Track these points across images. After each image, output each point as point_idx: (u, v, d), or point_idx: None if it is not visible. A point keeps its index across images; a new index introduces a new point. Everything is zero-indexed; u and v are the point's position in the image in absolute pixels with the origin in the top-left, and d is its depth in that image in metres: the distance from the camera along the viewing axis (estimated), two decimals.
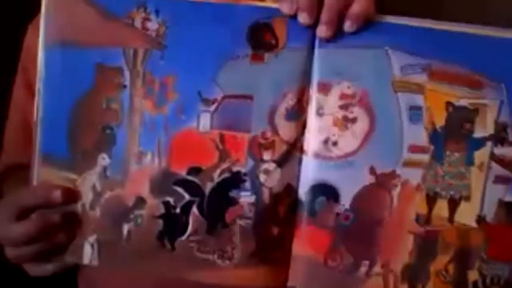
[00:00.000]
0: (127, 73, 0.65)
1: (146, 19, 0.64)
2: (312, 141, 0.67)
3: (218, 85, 0.65)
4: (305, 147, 0.67)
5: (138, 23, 0.64)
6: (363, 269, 0.66)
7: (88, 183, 0.66)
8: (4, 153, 0.90)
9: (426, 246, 0.66)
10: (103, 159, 0.66)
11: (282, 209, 0.67)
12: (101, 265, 0.67)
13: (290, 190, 0.67)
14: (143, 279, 0.76)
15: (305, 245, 0.68)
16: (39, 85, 0.65)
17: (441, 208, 0.66)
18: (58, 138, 0.66)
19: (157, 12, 0.64)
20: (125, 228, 0.67)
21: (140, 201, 0.67)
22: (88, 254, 0.67)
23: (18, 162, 0.82)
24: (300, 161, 0.67)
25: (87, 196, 0.66)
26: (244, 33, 0.65)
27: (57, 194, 0.64)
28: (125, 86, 0.65)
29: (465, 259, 0.65)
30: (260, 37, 0.65)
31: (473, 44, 0.64)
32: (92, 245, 0.67)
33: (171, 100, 0.65)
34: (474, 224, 0.65)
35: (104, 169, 0.66)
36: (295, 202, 0.67)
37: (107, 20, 0.64)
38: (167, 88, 0.65)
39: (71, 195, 0.65)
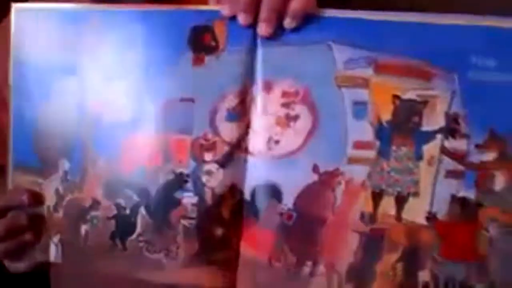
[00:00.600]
0: (81, 83, 0.46)
1: (99, 29, 0.45)
2: (255, 141, 0.44)
3: (162, 89, 0.44)
4: (250, 147, 0.44)
5: (92, 33, 0.46)
6: (306, 270, 0.43)
7: (52, 187, 0.48)
8: None
9: (372, 245, 0.42)
10: (64, 164, 0.48)
11: (226, 210, 0.45)
12: (63, 263, 0.48)
13: (235, 190, 0.45)
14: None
15: (251, 246, 0.45)
16: (10, 99, 0.49)
17: (388, 205, 0.41)
18: (27, 147, 0.48)
19: (108, 22, 0.45)
20: (83, 228, 0.48)
21: (95, 203, 0.47)
22: (53, 252, 0.48)
23: None
24: (245, 162, 0.44)
25: (52, 199, 0.48)
26: (186, 37, 0.43)
27: (24, 198, 0.48)
28: (79, 96, 0.47)
29: (415, 259, 0.40)
30: (201, 40, 0.43)
31: (421, 34, 0.40)
32: (56, 245, 0.49)
33: (120, 105, 0.45)
34: (423, 222, 0.39)
35: (66, 173, 0.48)
36: (242, 203, 0.44)
37: (66, 32, 0.46)
38: (117, 94, 0.45)
39: (37, 198, 0.48)
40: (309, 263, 0.43)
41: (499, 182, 0.39)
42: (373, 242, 0.41)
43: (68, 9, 0.46)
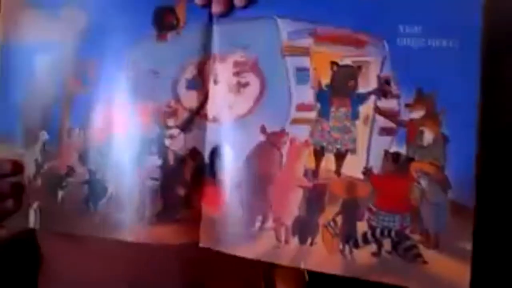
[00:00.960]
0: (61, 60, 0.51)
1: (73, 13, 0.50)
2: (212, 108, 0.48)
3: (130, 63, 0.49)
4: (208, 113, 0.47)
5: (68, 18, 0.50)
6: (257, 224, 0.45)
7: (32, 157, 0.52)
8: None
9: (314, 199, 0.45)
10: (43, 135, 0.51)
11: (188, 172, 0.49)
12: (42, 227, 0.52)
13: (195, 153, 0.48)
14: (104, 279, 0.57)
15: (210, 204, 0.48)
16: None
17: (328, 161, 0.44)
18: (10, 120, 0.52)
19: (81, 7, 0.50)
20: (59, 194, 0.51)
21: (71, 170, 0.51)
22: (32, 219, 0.52)
23: None
24: (204, 127, 0.48)
25: (31, 169, 0.52)
26: (150, 16, 0.48)
27: (6, 166, 0.51)
28: (58, 71, 0.51)
29: (353, 210, 0.42)
30: (163, 19, 0.48)
31: (355, 6, 0.44)
32: (35, 211, 0.52)
33: (93, 80, 0.50)
34: (361, 176, 0.42)
35: (44, 144, 0.51)
36: (202, 164, 0.48)
37: (45, 18, 0.51)
38: (90, 70, 0.50)
39: (17, 167, 0.52)
40: (259, 217, 0.46)
41: (427, 137, 0.42)
42: (315, 196, 0.44)
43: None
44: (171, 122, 0.48)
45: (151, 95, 0.48)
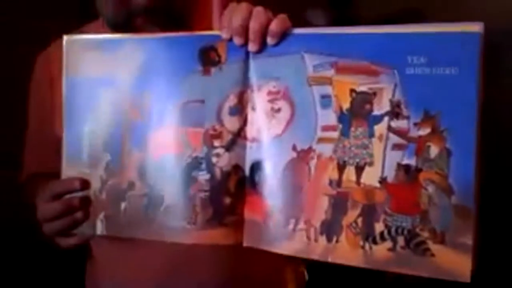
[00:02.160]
0: (120, 93, 0.60)
1: (131, 52, 0.60)
2: (251, 130, 0.57)
3: (180, 94, 0.58)
4: (248, 135, 0.57)
5: (127, 56, 0.60)
6: (290, 226, 0.53)
7: (97, 175, 0.61)
8: (26, 163, 0.80)
9: (338, 204, 0.53)
10: (107, 157, 0.61)
11: (232, 184, 0.58)
12: (108, 233, 0.61)
13: (238, 169, 0.58)
14: (143, 275, 0.69)
15: (251, 210, 0.57)
16: (64, 110, 0.62)
17: (350, 173, 0.53)
18: (77, 146, 0.62)
19: (138, 46, 0.59)
20: (122, 205, 0.60)
21: (131, 185, 0.60)
22: (99, 227, 0.61)
23: (39, 171, 0.75)
24: (244, 146, 0.57)
25: (97, 184, 0.61)
26: (196, 54, 0.57)
27: (76, 183, 0.59)
28: (118, 103, 0.60)
29: (371, 213, 0.51)
30: (207, 56, 0.57)
31: (369, 41, 0.52)
32: (101, 220, 0.61)
33: (149, 109, 0.59)
34: (377, 185, 0.50)
35: (107, 163, 0.61)
36: (244, 178, 0.57)
37: (106, 55, 0.60)
38: (146, 101, 0.59)
39: (85, 184, 0.60)
40: (293, 220, 0.54)
41: (433, 151, 0.50)
42: (339, 202, 0.52)
43: (106, 38, 0.61)
44: (217, 143, 0.57)
45: (200, 120, 0.57)
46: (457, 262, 0.48)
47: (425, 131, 0.50)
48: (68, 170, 0.61)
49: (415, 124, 0.50)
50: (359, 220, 0.52)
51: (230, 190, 0.57)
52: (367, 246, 0.51)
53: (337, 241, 0.52)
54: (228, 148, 0.57)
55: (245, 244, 0.57)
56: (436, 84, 0.49)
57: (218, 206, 0.57)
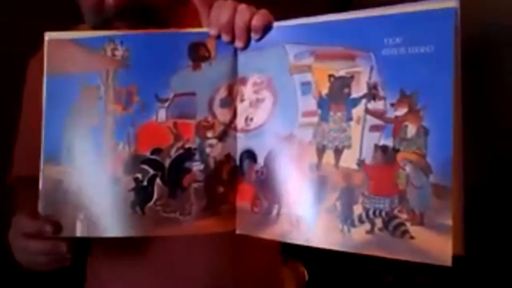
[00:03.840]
0: (102, 88, 0.58)
1: (115, 49, 0.59)
2: (240, 121, 0.58)
3: (170, 88, 0.58)
4: (237, 125, 0.58)
5: (109, 53, 0.59)
6: (274, 211, 0.53)
7: (78, 173, 0.57)
8: (15, 165, 0.75)
9: (318, 188, 0.52)
10: (87, 153, 0.58)
11: (225, 173, 0.58)
12: (89, 235, 0.57)
13: (229, 158, 0.58)
14: (142, 268, 0.69)
15: (242, 198, 0.58)
16: (43, 107, 0.58)
17: (329, 157, 0.52)
18: (56, 143, 0.57)
19: (122, 42, 0.59)
20: (106, 203, 0.57)
21: (116, 180, 0.57)
22: (79, 228, 0.56)
23: (31, 174, 0.67)
24: (235, 136, 0.58)
25: (77, 183, 0.57)
26: (186, 50, 0.59)
27: (48, 228, 0.55)
28: (100, 98, 0.58)
29: (350, 196, 0.50)
30: (197, 52, 0.59)
31: (345, 28, 0.53)
32: (81, 221, 0.56)
33: (135, 103, 0.58)
34: (355, 167, 0.49)
35: (89, 160, 0.58)
36: (235, 167, 0.58)
37: (88, 53, 0.59)
38: (132, 94, 0.58)
39: (57, 228, 0.55)
40: (276, 205, 0.54)
41: (410, 130, 0.48)
42: (318, 186, 0.52)
43: (89, 35, 0.59)
44: (209, 134, 0.58)
45: (191, 113, 0.58)
46: (437, 244, 0.45)
47: (401, 111, 0.48)
48: (46, 170, 0.57)
49: (392, 104, 0.49)
50: (338, 203, 0.50)
51: (223, 179, 0.58)
52: (345, 229, 0.50)
53: (317, 225, 0.51)
54: (221, 138, 0.58)
55: (237, 231, 0.57)
56: (412, 64, 0.48)
57: (213, 195, 0.58)
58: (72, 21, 0.68)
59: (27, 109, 0.75)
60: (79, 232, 0.56)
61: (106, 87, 0.58)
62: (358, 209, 0.49)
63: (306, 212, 0.52)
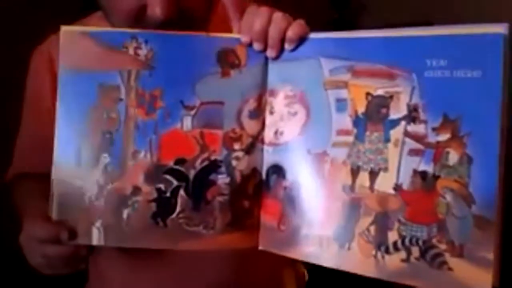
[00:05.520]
0: (123, 89, 0.54)
1: (138, 47, 0.54)
2: (268, 134, 0.55)
3: (196, 95, 0.55)
4: (265, 138, 0.55)
5: (131, 51, 0.54)
6: (303, 231, 0.49)
7: (93, 179, 0.53)
8: (16, 161, 0.71)
9: (351, 210, 0.49)
10: (104, 158, 0.53)
11: (250, 187, 0.55)
12: (106, 244, 0.54)
13: (256, 172, 0.55)
14: (146, 271, 0.66)
15: (267, 214, 0.55)
16: (57, 105, 0.53)
17: (363, 179, 0.49)
18: (70, 144, 0.53)
19: (146, 42, 0.54)
20: (125, 212, 0.53)
21: (136, 190, 0.53)
22: (96, 236, 0.53)
23: (31, 171, 0.66)
24: (262, 149, 0.55)
25: (92, 190, 0.53)
26: (215, 56, 0.55)
27: (64, 236, 0.52)
28: (121, 99, 0.54)
29: (385, 221, 0.47)
30: (227, 58, 0.55)
31: (387, 45, 0.49)
32: (98, 229, 0.53)
33: (159, 108, 0.54)
34: (392, 191, 0.46)
35: (105, 166, 0.53)
36: (261, 181, 0.55)
37: (107, 50, 0.54)
38: (156, 99, 0.55)
39: (72, 235, 0.52)
40: (305, 225, 0.51)
41: (452, 157, 0.45)
42: (352, 208, 0.49)
43: (111, 31, 0.56)
44: (237, 146, 0.55)
45: (218, 122, 0.55)
46: (476, 277, 0.42)
47: (444, 136, 0.45)
48: (58, 173, 0.53)
49: (434, 129, 0.46)
50: (372, 228, 0.47)
51: (249, 194, 0.55)
52: (379, 255, 0.47)
53: (348, 248, 0.48)
54: (248, 151, 0.55)
55: (260, 247, 0.54)
56: (457, 88, 0.45)
57: (237, 209, 0.55)
58: (73, 22, 0.63)
59: (28, 103, 0.70)
60: (95, 240, 0.53)
61: (128, 88, 0.54)
62: (393, 236, 0.47)
63: (337, 235, 0.49)
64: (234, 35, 0.55)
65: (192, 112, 0.55)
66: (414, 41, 0.48)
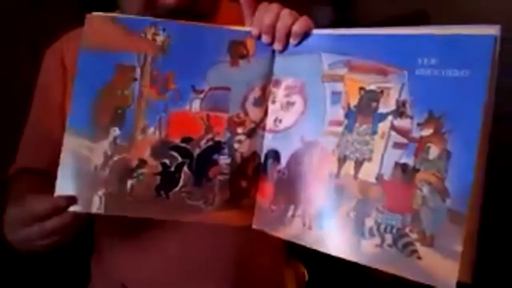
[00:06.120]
0: (138, 70, 0.59)
1: (155, 34, 0.59)
2: (268, 121, 0.59)
3: (206, 80, 0.59)
4: (266, 125, 0.59)
5: (149, 37, 0.59)
6: (289, 213, 0.53)
7: (101, 149, 0.56)
8: (19, 156, 0.71)
9: (334, 196, 0.52)
10: (115, 131, 0.56)
11: (249, 169, 0.59)
12: (106, 212, 0.55)
13: (255, 155, 0.59)
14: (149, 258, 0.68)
15: (262, 195, 0.58)
16: (75, 79, 0.57)
17: (349, 167, 0.52)
18: (83, 116, 0.56)
19: (163, 29, 0.59)
20: (129, 183, 0.56)
21: (142, 163, 0.57)
22: (96, 204, 0.55)
23: (33, 166, 0.68)
24: (262, 135, 0.59)
25: (99, 159, 0.56)
26: (226, 46, 0.59)
27: (62, 201, 0.53)
28: (135, 79, 0.58)
29: (364, 208, 0.49)
30: (237, 49, 0.59)
31: (381, 42, 0.51)
32: (100, 197, 0.55)
33: (171, 90, 0.59)
34: (373, 180, 0.49)
35: (115, 138, 0.56)
36: (259, 164, 0.59)
37: (128, 34, 0.59)
38: (168, 81, 0.59)
39: (72, 200, 0.53)
40: (292, 207, 0.54)
41: (433, 152, 0.47)
42: (335, 194, 0.51)
43: (130, 17, 0.59)
44: (240, 130, 0.58)
45: (224, 107, 0.59)
46: (443, 268, 0.44)
47: (427, 131, 0.47)
48: (70, 141, 0.55)
49: (418, 124, 0.48)
50: (352, 214, 0.50)
51: (247, 175, 0.58)
52: (355, 239, 0.49)
53: (329, 231, 0.51)
54: (249, 135, 0.58)
55: (253, 226, 0.58)
56: (445, 86, 0.47)
57: (236, 189, 0.58)
58: (73, 22, 0.65)
59: (37, 97, 0.73)
60: (95, 208, 0.54)
61: (143, 70, 0.58)
62: (369, 222, 0.49)
63: (319, 218, 0.52)
64: (245, 28, 0.59)
65: (201, 96, 0.59)
66: (409, 39, 0.50)
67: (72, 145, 0.55)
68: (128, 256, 0.71)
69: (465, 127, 0.45)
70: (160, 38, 0.59)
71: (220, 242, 0.68)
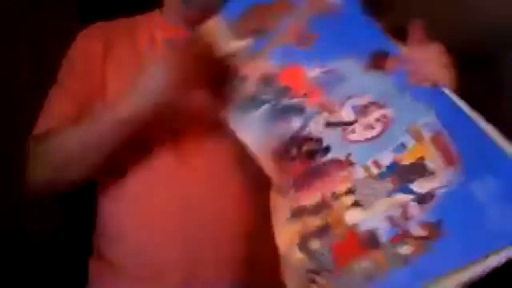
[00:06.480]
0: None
1: None
2: (346, 128, 0.60)
3: (337, 60, 0.61)
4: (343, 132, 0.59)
5: None
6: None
7: None
8: (47, 116, 0.68)
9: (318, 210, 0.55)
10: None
11: (305, 145, 0.60)
12: None
13: (318, 141, 0.59)
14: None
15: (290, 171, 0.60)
16: None
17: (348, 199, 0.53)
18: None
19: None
20: None
21: None
22: None
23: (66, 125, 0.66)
24: (337, 136, 0.59)
25: None
26: (369, 53, 0.60)
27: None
28: None
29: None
30: (377, 59, 0.60)
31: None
32: None
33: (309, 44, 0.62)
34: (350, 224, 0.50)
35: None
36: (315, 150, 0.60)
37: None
38: (309, 38, 0.62)
39: None
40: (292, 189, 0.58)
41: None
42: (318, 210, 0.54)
43: None
44: (325, 113, 0.59)
45: (331, 89, 0.60)
46: None
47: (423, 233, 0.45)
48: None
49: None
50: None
51: (301, 149, 0.59)
52: None
53: None
54: (328, 124, 0.59)
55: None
56: None
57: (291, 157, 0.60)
58: (73, 22, 0.67)
59: (73, 62, 0.72)
60: None
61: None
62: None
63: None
64: (398, 46, 0.59)
65: (324, 69, 0.61)
66: None
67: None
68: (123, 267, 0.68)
69: None
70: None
71: (232, 234, 0.67)
